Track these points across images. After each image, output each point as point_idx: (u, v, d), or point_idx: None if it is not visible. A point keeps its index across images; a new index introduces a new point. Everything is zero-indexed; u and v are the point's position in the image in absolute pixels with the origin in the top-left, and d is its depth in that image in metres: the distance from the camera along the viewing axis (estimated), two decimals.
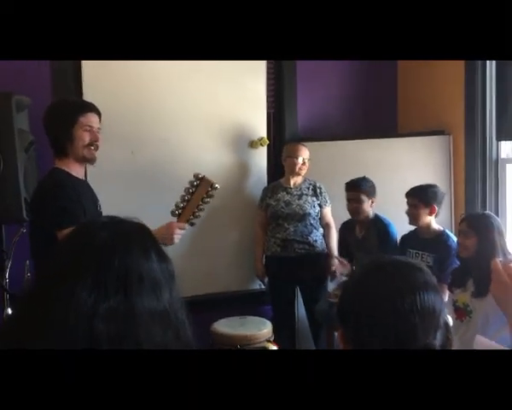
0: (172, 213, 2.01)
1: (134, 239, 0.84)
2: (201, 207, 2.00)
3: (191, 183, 2.00)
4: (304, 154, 3.22)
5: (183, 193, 2.00)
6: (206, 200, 2.00)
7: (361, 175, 3.07)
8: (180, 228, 2.01)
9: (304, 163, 3.22)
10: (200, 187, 1.98)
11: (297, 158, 3.20)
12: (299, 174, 3.24)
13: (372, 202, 3.03)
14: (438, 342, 0.93)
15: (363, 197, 2.99)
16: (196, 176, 2.01)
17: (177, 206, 2.01)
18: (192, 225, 2.03)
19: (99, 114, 2.10)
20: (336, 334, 3.12)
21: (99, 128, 2.09)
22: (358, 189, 2.99)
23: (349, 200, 3.04)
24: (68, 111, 2.05)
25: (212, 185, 1.98)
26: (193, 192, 1.98)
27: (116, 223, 0.87)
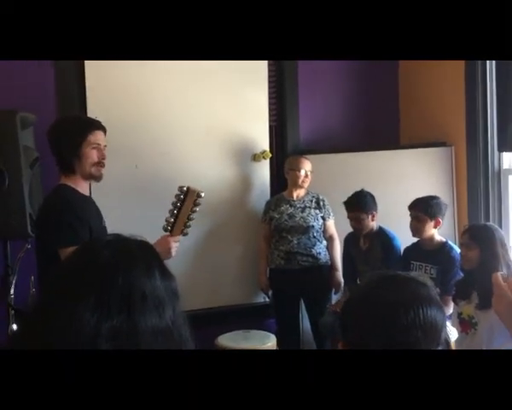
0: (164, 229, 2.03)
1: (137, 257, 0.85)
2: (191, 217, 2.03)
3: (177, 196, 2.03)
4: (306, 166, 3.24)
5: (171, 207, 2.03)
6: (195, 209, 2.03)
7: (363, 188, 3.08)
8: (175, 241, 2.04)
9: (306, 175, 3.23)
10: (187, 199, 2.01)
11: (299, 171, 3.22)
12: (302, 187, 3.26)
13: (373, 216, 3.03)
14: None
15: (363, 215, 3.00)
16: (181, 189, 2.04)
17: (167, 221, 2.03)
18: (185, 234, 2.06)
19: (105, 131, 2.12)
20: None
21: (105, 146, 2.11)
22: (356, 208, 3.00)
23: (349, 219, 3.05)
24: (77, 129, 2.07)
25: (198, 194, 2.02)
26: (181, 205, 2.01)
27: (120, 241, 0.88)
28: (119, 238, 0.89)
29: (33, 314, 0.85)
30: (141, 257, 0.85)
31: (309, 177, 3.25)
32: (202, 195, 2.02)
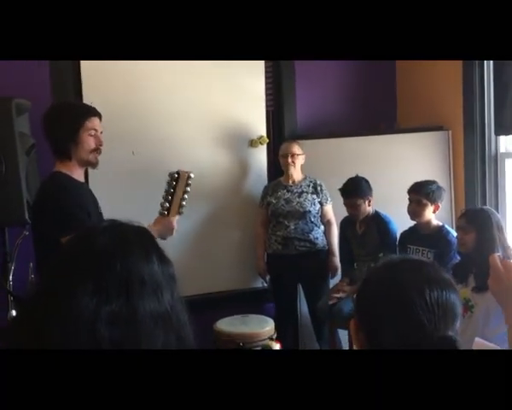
0: (161, 213, 2.11)
1: (135, 243, 0.85)
2: (185, 197, 2.13)
3: (169, 182, 2.12)
4: (292, 149, 3.25)
5: (164, 193, 2.11)
6: (187, 190, 2.13)
7: (360, 172, 3.08)
8: (175, 221, 2.13)
9: (294, 158, 3.23)
10: (179, 182, 2.10)
11: (286, 155, 3.25)
12: (294, 170, 3.25)
13: (369, 202, 3.04)
14: (456, 333, 0.95)
15: (359, 201, 3.02)
16: (171, 175, 2.12)
17: (162, 205, 2.11)
18: (181, 214, 2.15)
19: (101, 118, 2.12)
20: (339, 330, 3.16)
21: (101, 132, 2.10)
22: (352, 194, 3.01)
23: (345, 205, 3.06)
24: (74, 115, 2.06)
25: (188, 176, 2.12)
26: (174, 189, 2.10)
27: (117, 227, 0.88)
28: (115, 224, 0.89)
29: (32, 300, 0.85)
30: (138, 242, 0.85)
31: (297, 159, 3.25)
32: (192, 176, 2.13)
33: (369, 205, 3.05)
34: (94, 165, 2.10)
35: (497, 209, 3.12)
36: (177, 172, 2.11)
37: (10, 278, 2.55)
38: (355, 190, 3.01)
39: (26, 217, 2.40)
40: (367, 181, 3.05)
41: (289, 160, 3.24)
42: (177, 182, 2.09)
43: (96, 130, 2.07)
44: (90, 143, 2.05)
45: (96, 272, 0.79)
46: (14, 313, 2.47)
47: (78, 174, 2.08)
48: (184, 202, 2.12)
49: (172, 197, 2.09)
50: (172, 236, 2.12)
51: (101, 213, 2.15)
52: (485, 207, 2.62)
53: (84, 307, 0.76)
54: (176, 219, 2.11)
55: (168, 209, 2.09)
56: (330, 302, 3.04)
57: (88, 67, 3.11)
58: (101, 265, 0.80)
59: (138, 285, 0.80)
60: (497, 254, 1.19)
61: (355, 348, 1.01)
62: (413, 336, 0.91)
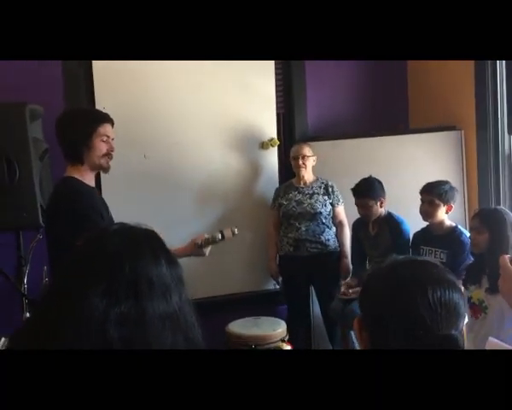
0: (196, 243, 2.22)
1: (144, 245, 0.86)
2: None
3: (215, 237, 2.23)
4: (303, 151, 3.25)
5: (210, 236, 2.22)
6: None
7: (372, 173, 3.07)
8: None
9: (304, 160, 3.22)
10: (226, 238, 2.24)
11: (296, 158, 3.25)
12: (305, 172, 3.25)
13: (381, 203, 3.03)
14: (459, 332, 0.95)
15: (371, 202, 3.00)
16: (233, 231, 2.26)
17: (202, 241, 2.22)
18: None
19: (113, 124, 2.15)
20: (352, 332, 3.14)
21: (113, 138, 2.13)
22: (364, 195, 3.00)
23: (357, 205, 3.05)
24: (87, 120, 2.10)
25: (234, 234, 2.25)
26: (218, 240, 2.23)
27: (126, 230, 0.90)
28: (125, 227, 0.91)
29: (44, 300, 0.87)
30: (147, 245, 0.87)
31: (308, 160, 3.24)
32: (236, 232, 2.27)
33: (381, 206, 3.03)
34: (105, 169, 2.14)
35: (511, 209, 3.09)
36: (222, 234, 2.22)
37: (25, 281, 2.58)
38: (367, 190, 3.00)
39: (40, 221, 2.43)
40: (380, 182, 3.03)
41: (300, 162, 3.24)
42: (222, 238, 2.21)
43: (108, 136, 2.10)
44: (102, 148, 2.08)
45: (106, 274, 0.81)
46: (28, 315, 2.50)
47: (89, 179, 2.11)
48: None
49: (212, 243, 2.22)
50: (185, 237, 2.26)
51: (111, 218, 2.17)
52: (498, 207, 2.59)
53: (95, 308, 0.77)
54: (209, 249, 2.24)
55: (203, 246, 2.21)
56: (343, 297, 3.04)
57: (100, 73, 3.14)
58: (111, 267, 0.82)
59: (147, 287, 0.82)
60: (508, 256, 1.17)
61: (358, 347, 1.01)
62: (416, 335, 0.91)
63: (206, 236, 2.23)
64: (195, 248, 2.20)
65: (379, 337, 0.95)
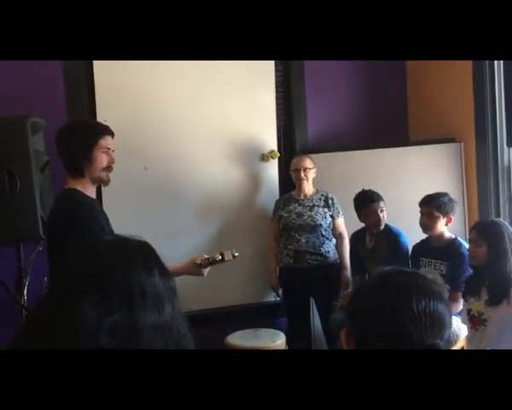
0: (195, 263, 2.19)
1: (137, 256, 0.88)
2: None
3: (217, 258, 2.20)
4: (304, 164, 3.26)
5: (210, 257, 2.20)
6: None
7: (372, 185, 3.09)
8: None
9: (306, 172, 3.24)
10: (226, 261, 2.21)
11: (297, 170, 3.27)
12: (306, 184, 3.27)
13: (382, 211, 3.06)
14: (444, 342, 0.96)
15: (382, 204, 3.03)
16: (233, 254, 2.22)
17: (202, 260, 2.19)
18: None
19: (113, 136, 2.16)
20: None
21: (113, 150, 2.14)
22: (375, 199, 3.02)
23: (366, 215, 3.04)
24: (88, 132, 2.10)
25: (233, 256, 2.21)
26: (218, 262, 2.20)
27: (120, 241, 0.91)
28: (118, 238, 0.92)
29: (37, 309, 0.88)
30: (140, 256, 0.88)
31: (309, 173, 3.26)
32: (236, 254, 2.23)
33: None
34: (105, 182, 2.14)
35: (510, 221, 3.09)
36: (222, 256, 2.19)
37: (25, 292, 2.59)
38: (376, 195, 3.02)
39: (41, 233, 2.44)
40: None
41: (302, 174, 3.25)
42: (222, 259, 2.19)
43: (108, 148, 2.10)
44: (103, 160, 2.08)
45: (100, 284, 0.82)
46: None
47: (90, 191, 2.12)
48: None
49: (211, 264, 2.20)
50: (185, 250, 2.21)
51: (112, 231, 2.18)
52: (496, 219, 2.59)
53: (87, 316, 0.78)
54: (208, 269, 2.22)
55: (202, 266, 2.19)
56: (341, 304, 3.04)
57: (102, 86, 3.18)
58: (104, 277, 0.83)
59: (140, 297, 0.82)
60: None
61: None
62: (400, 345, 0.92)
63: (206, 256, 2.21)
64: (194, 268, 2.18)
65: (364, 347, 0.96)
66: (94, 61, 3.13)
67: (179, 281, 0.96)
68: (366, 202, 3.03)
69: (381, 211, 3.03)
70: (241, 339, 2.87)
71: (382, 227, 3.05)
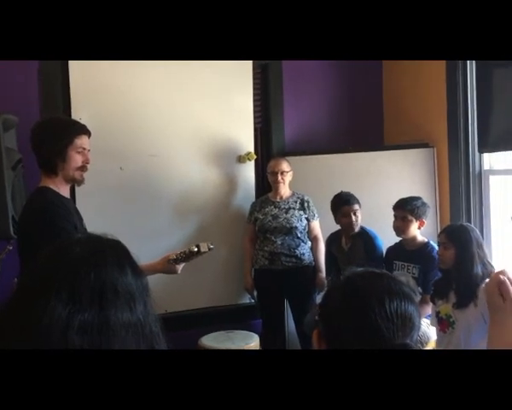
0: (169, 260, 2.14)
1: (109, 254, 0.87)
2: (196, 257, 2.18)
3: (191, 251, 2.14)
4: (281, 167, 3.28)
5: (186, 249, 2.15)
6: (203, 255, 2.19)
7: (347, 188, 3.12)
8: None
9: (282, 175, 3.27)
10: (200, 253, 2.15)
11: (273, 172, 3.29)
12: (283, 187, 3.29)
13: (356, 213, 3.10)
14: (414, 342, 0.98)
15: (357, 207, 3.07)
16: (209, 247, 2.18)
17: (176, 256, 2.14)
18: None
19: (90, 135, 2.13)
20: None
21: (89, 150, 2.11)
22: (351, 202, 3.06)
23: (343, 216, 3.07)
24: (63, 131, 2.05)
25: (209, 249, 2.18)
26: (190, 256, 2.15)
27: (91, 238, 0.90)
28: (90, 236, 0.92)
29: (6, 307, 0.86)
30: (112, 253, 0.87)
31: (286, 176, 3.29)
32: (212, 247, 2.19)
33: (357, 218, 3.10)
34: (79, 182, 2.11)
35: (481, 225, 3.16)
36: (205, 249, 2.15)
37: None
38: (352, 198, 3.07)
39: (11, 232, 2.40)
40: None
41: (278, 177, 3.27)
42: (198, 252, 2.14)
43: (84, 148, 2.07)
44: (78, 160, 2.05)
45: (70, 282, 0.81)
46: None
47: (63, 190, 2.09)
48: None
49: (188, 258, 2.15)
50: (161, 250, 2.21)
51: (85, 229, 2.15)
52: (465, 223, 2.65)
53: (57, 315, 0.77)
54: (182, 266, 2.17)
55: (177, 261, 2.14)
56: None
57: (77, 84, 3.14)
58: (74, 274, 0.82)
59: (111, 295, 0.82)
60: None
61: None
62: (372, 344, 0.93)
63: (180, 251, 2.18)
64: (168, 265, 2.14)
65: (335, 347, 0.97)
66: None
67: (153, 282, 0.96)
68: (341, 205, 3.07)
69: (355, 214, 3.07)
70: (214, 341, 2.86)
71: (357, 229, 3.08)
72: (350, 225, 3.08)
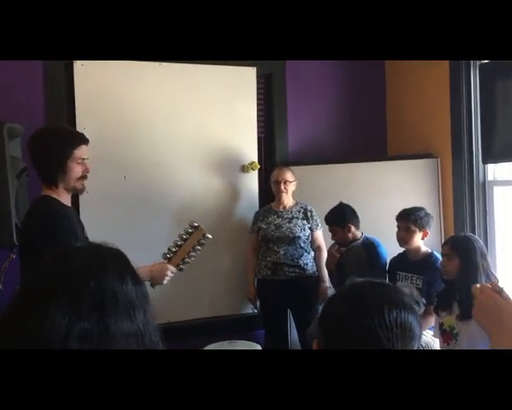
0: (163, 256, 2.10)
1: (109, 263, 0.87)
2: (192, 254, 2.11)
3: (186, 230, 2.10)
4: (285, 176, 3.28)
5: (177, 238, 2.09)
6: (197, 247, 2.11)
7: (350, 198, 3.11)
8: (172, 271, 2.11)
9: (286, 185, 3.27)
10: (193, 235, 2.08)
11: (277, 182, 3.28)
12: (286, 197, 3.28)
13: (349, 228, 3.07)
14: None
15: (336, 229, 3.08)
16: (191, 224, 2.11)
17: (169, 249, 2.10)
18: (181, 270, 2.14)
19: (88, 143, 2.13)
20: None
21: (88, 158, 2.12)
22: (331, 222, 3.09)
23: (332, 233, 3.12)
24: (63, 143, 2.05)
25: (204, 235, 2.10)
26: (186, 239, 2.08)
27: (91, 247, 0.91)
28: (90, 245, 0.93)
29: (6, 314, 0.87)
30: (112, 262, 0.88)
31: (289, 185, 3.29)
32: (209, 237, 2.11)
33: (348, 231, 3.07)
34: (80, 191, 2.12)
35: (485, 236, 3.14)
36: (197, 226, 2.08)
37: None
38: (333, 217, 3.08)
39: (15, 240, 2.41)
40: (350, 208, 3.09)
41: (282, 186, 3.27)
42: (191, 233, 2.07)
43: (83, 158, 2.07)
44: (78, 171, 2.05)
45: (70, 290, 0.81)
46: None
47: (65, 199, 2.09)
48: (188, 260, 2.10)
49: (180, 247, 2.08)
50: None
51: (87, 238, 2.16)
52: (469, 234, 2.64)
53: (57, 323, 0.78)
54: (172, 269, 2.10)
55: (171, 257, 2.09)
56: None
57: (82, 94, 3.16)
58: (75, 283, 0.82)
59: (111, 304, 0.82)
60: (479, 284, 1.18)
61: None
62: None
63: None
64: (159, 264, 2.08)
65: None
66: (75, 69, 3.11)
67: (156, 292, 0.96)
68: (326, 223, 3.11)
69: (336, 232, 3.08)
70: None
71: (345, 248, 3.08)
72: (338, 241, 3.11)
